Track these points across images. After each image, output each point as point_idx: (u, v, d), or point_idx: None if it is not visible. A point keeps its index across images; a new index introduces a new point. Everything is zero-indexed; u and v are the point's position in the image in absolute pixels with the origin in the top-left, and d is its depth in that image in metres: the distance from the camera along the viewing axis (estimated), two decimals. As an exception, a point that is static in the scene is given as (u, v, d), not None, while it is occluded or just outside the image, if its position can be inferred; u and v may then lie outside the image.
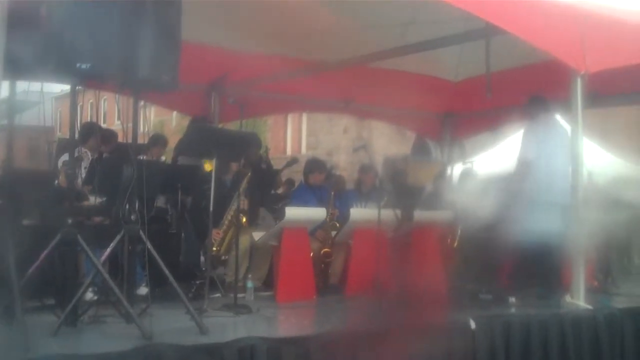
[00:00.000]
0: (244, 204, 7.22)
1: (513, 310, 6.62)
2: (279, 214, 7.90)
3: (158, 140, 8.83)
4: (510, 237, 6.54)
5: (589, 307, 6.60)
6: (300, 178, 9.02)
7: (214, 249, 7.16)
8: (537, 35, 6.45)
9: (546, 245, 6.64)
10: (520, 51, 7.15)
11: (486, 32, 7.00)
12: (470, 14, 6.20)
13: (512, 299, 6.85)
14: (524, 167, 7.18)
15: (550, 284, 7.04)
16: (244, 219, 7.30)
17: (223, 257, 7.28)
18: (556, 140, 7.22)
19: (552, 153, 7.13)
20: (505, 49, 7.20)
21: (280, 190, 11.65)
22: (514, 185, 7.22)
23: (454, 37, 7.81)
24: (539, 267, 7.05)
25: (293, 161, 10.31)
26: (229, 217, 7.22)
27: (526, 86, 8.25)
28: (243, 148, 6.89)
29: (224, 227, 7.27)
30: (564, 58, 6.61)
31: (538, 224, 6.58)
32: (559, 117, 7.61)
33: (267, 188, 9.16)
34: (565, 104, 6.91)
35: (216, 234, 7.19)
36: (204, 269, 6.64)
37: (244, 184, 7.10)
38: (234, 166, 7.65)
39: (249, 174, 7.20)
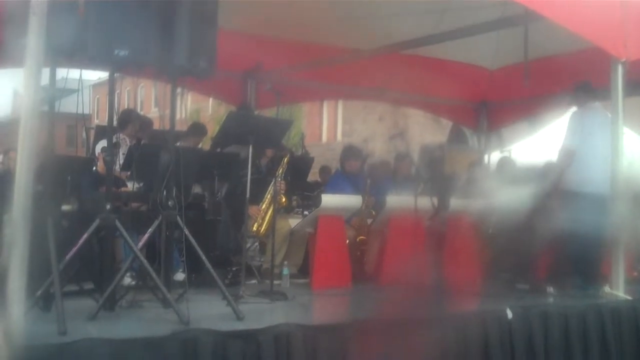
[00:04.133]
0: (282, 185, 7.24)
1: (550, 300, 6.55)
2: (314, 201, 7.91)
3: (197, 129, 8.82)
4: (549, 227, 6.45)
5: (629, 297, 6.53)
6: (335, 165, 9.02)
7: (254, 228, 7.21)
8: (577, 21, 6.36)
9: (587, 236, 6.55)
10: (559, 38, 7.05)
11: (524, 19, 6.91)
12: None
13: (550, 289, 6.79)
14: (567, 156, 7.03)
15: (588, 274, 6.96)
16: (284, 199, 7.32)
17: (262, 240, 7.30)
18: (601, 129, 7.01)
19: (597, 142, 6.95)
20: (543, 35, 7.11)
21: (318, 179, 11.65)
22: (555, 174, 7.10)
23: (490, 24, 7.72)
24: (578, 258, 6.96)
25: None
26: (269, 197, 7.23)
27: (565, 74, 8.12)
28: (279, 135, 6.90)
29: (264, 205, 7.28)
30: (605, 45, 6.52)
31: (580, 215, 6.49)
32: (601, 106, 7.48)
33: (302, 175, 9.15)
34: (606, 92, 6.80)
35: (256, 211, 7.22)
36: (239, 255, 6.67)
37: (283, 166, 7.12)
38: (269, 151, 7.66)
39: (287, 156, 7.21)
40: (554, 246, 6.95)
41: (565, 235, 6.58)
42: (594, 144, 6.94)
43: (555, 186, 6.97)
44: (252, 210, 7.07)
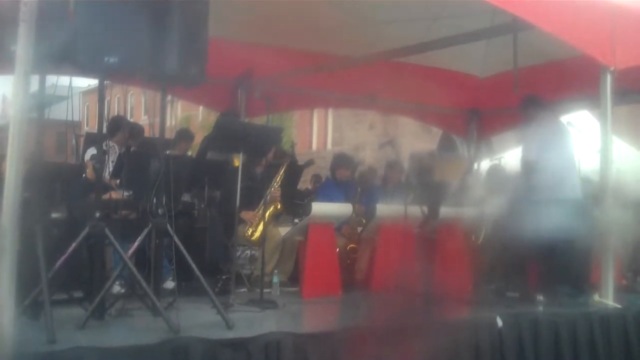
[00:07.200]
0: (277, 192, 7.23)
1: (540, 308, 6.55)
2: (305, 210, 7.90)
3: (185, 135, 8.86)
4: (524, 236, 6.47)
5: (618, 305, 6.54)
6: (327, 174, 9.01)
7: (248, 232, 7.20)
8: (566, 30, 6.38)
9: (562, 242, 6.58)
10: (549, 46, 7.07)
11: (513, 27, 6.93)
12: (497, 8, 6.14)
13: (540, 297, 6.78)
14: (528, 168, 7.12)
15: (576, 282, 6.96)
16: (279, 205, 7.33)
17: (254, 249, 7.29)
18: (557, 137, 7.19)
19: (555, 150, 7.07)
20: (533, 44, 7.13)
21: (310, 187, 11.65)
22: (520, 186, 7.17)
23: (480, 32, 7.74)
24: (562, 265, 6.97)
25: (309, 162, 10.33)
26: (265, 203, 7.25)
27: (555, 82, 8.17)
28: (268, 142, 6.89)
29: (260, 211, 7.28)
30: (593, 53, 6.54)
31: (550, 221, 6.52)
32: (556, 114, 7.61)
33: (292, 184, 9.15)
34: (594, 101, 6.83)
35: (252, 216, 7.22)
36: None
37: (281, 173, 7.13)
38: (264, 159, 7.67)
39: (286, 164, 7.22)
40: (535, 254, 6.95)
41: (540, 242, 6.58)
42: (552, 153, 7.02)
43: (522, 196, 6.99)
44: (247, 215, 7.07)
